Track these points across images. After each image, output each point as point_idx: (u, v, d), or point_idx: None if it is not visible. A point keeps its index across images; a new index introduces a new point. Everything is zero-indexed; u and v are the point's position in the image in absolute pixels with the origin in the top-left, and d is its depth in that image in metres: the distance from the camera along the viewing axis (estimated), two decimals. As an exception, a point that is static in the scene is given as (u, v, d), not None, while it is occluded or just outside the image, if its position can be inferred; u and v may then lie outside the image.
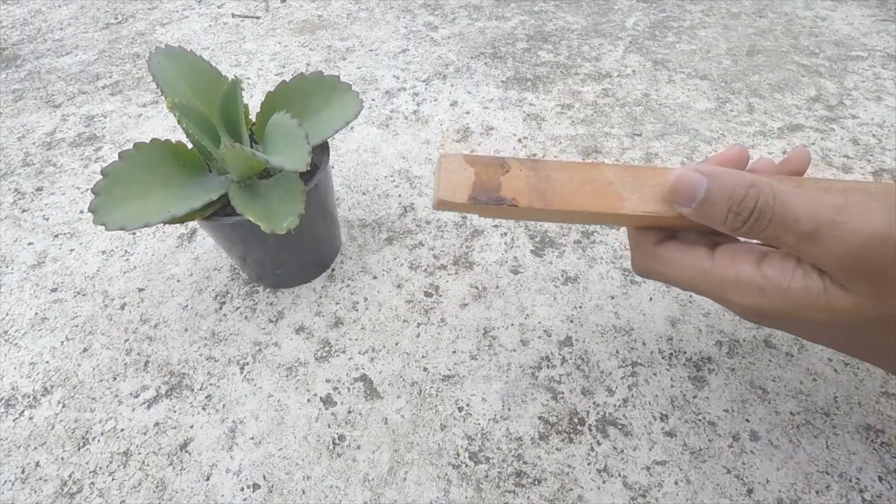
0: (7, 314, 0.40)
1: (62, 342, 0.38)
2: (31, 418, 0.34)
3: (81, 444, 0.33)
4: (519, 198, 0.22)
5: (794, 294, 0.20)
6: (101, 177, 0.30)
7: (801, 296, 0.20)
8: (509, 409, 0.33)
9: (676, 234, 0.25)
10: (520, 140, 0.52)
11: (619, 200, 0.23)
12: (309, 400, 0.34)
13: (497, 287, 0.40)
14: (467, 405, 0.33)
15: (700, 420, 0.32)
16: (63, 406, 0.35)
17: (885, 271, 0.18)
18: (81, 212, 0.48)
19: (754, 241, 0.22)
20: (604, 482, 0.30)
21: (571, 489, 0.30)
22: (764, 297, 0.21)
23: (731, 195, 0.20)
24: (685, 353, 0.35)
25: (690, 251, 0.23)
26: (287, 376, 0.35)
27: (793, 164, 0.26)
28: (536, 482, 0.30)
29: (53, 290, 0.42)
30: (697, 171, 0.22)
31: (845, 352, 0.24)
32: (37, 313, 0.40)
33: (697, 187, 0.21)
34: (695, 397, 0.33)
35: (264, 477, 0.31)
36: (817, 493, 0.29)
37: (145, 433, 0.33)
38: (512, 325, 0.37)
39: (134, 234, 0.46)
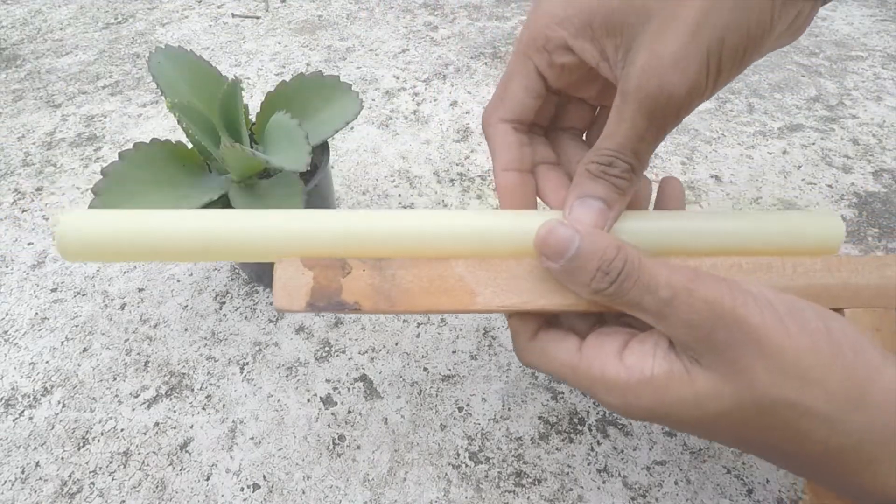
0: (7, 314, 0.40)
1: (62, 342, 0.38)
2: (31, 418, 0.34)
3: (81, 444, 0.33)
4: (362, 301, 0.21)
5: (659, 382, 0.19)
6: (101, 177, 0.30)
7: (666, 383, 0.19)
8: (509, 409, 0.33)
9: (554, 318, 0.24)
10: (520, 140, 0.52)
11: (471, 296, 0.21)
12: (309, 400, 0.34)
13: (497, 287, 0.40)
14: (467, 405, 0.33)
15: (700, 420, 0.32)
16: (63, 406, 0.35)
17: (726, 342, 0.18)
18: (81, 212, 0.48)
19: (614, 310, 0.21)
20: (604, 482, 0.30)
21: (571, 489, 0.30)
22: (629, 393, 0.20)
23: (603, 255, 0.20)
24: (685, 353, 0.35)
25: (561, 344, 0.22)
26: (287, 376, 0.35)
27: (666, 193, 0.26)
28: (536, 482, 0.30)
29: (53, 290, 0.42)
30: (568, 226, 0.21)
31: (750, 452, 0.21)
32: (37, 313, 0.40)
33: (569, 243, 0.20)
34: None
35: (264, 477, 0.31)
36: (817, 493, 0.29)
37: (145, 433, 0.33)
38: (512, 325, 0.37)
39: (134, 234, 0.45)
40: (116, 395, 0.35)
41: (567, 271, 0.20)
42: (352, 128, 0.55)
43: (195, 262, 0.22)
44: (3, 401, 0.35)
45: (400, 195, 0.47)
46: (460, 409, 0.33)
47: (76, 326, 0.39)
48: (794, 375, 0.18)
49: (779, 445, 0.19)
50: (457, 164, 0.50)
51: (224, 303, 0.40)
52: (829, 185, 0.47)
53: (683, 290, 0.19)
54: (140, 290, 0.41)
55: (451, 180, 0.49)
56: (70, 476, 0.31)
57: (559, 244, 0.20)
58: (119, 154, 0.31)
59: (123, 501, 0.30)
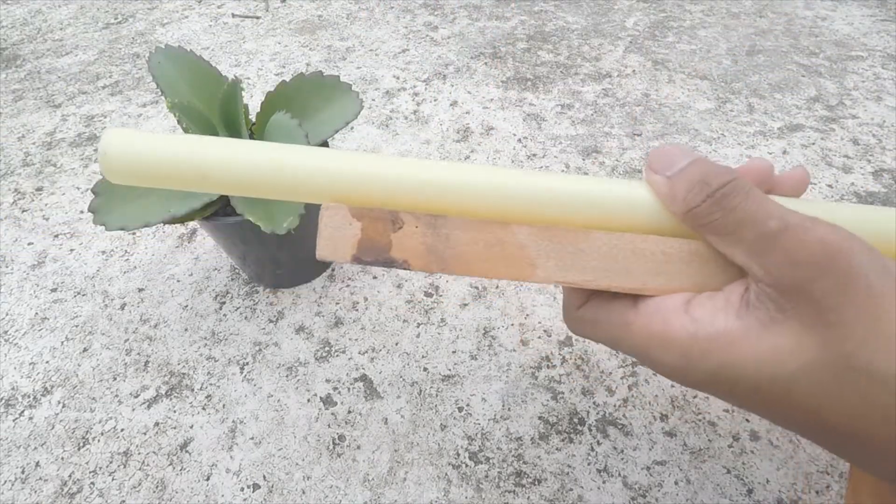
0: (7, 314, 0.40)
1: (62, 342, 0.38)
2: (31, 418, 0.34)
3: (81, 444, 0.33)
4: (412, 260, 0.20)
5: (732, 337, 0.17)
6: (102, 177, 0.30)
7: (740, 338, 0.17)
8: (509, 409, 0.33)
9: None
10: (520, 140, 0.52)
11: (531, 268, 0.20)
12: (309, 400, 0.34)
13: (497, 287, 0.40)
14: (467, 405, 0.33)
15: (700, 420, 0.32)
16: (63, 406, 0.35)
17: (828, 291, 0.16)
18: (81, 212, 0.48)
19: (702, 234, 0.19)
20: (604, 482, 0.30)
21: (571, 489, 0.30)
22: (694, 350, 0.18)
23: (709, 170, 0.18)
24: (685, 353, 0.35)
25: (613, 305, 0.21)
26: (287, 376, 0.35)
27: (787, 183, 0.23)
28: (536, 482, 0.30)
29: (53, 290, 0.42)
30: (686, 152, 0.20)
31: (807, 430, 0.19)
32: (37, 313, 0.40)
33: (684, 156, 0.19)
34: (695, 397, 0.33)
35: (264, 477, 0.31)
36: (817, 493, 0.29)
37: (145, 433, 0.33)
38: (512, 325, 0.37)
39: (134, 234, 0.46)
40: (116, 395, 0.35)
41: (670, 183, 0.19)
42: (352, 128, 0.55)
43: (237, 194, 0.20)
44: (3, 401, 0.35)
45: (400, 195, 0.47)
46: (460, 409, 0.33)
47: (76, 326, 0.39)
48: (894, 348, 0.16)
49: (845, 421, 0.17)
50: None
51: (224, 303, 0.40)
52: (829, 185, 0.47)
53: (798, 225, 0.17)
54: (140, 290, 0.41)
55: (451, 180, 0.49)
56: (70, 476, 0.31)
57: (674, 155, 0.19)
58: (119, 154, 0.31)
59: (123, 501, 0.30)
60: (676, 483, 0.30)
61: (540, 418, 0.33)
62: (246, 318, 0.39)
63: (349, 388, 0.35)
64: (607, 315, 0.20)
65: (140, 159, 0.19)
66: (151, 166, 0.19)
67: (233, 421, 0.33)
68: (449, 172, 0.20)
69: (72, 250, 0.45)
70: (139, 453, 0.32)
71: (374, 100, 0.59)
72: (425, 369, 0.35)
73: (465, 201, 0.20)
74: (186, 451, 0.32)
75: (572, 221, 0.20)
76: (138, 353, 0.37)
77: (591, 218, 0.20)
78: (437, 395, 0.34)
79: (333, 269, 0.42)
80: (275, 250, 0.37)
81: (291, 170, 0.20)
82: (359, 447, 0.32)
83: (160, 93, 0.43)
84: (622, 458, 0.31)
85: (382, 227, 0.20)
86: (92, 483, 0.31)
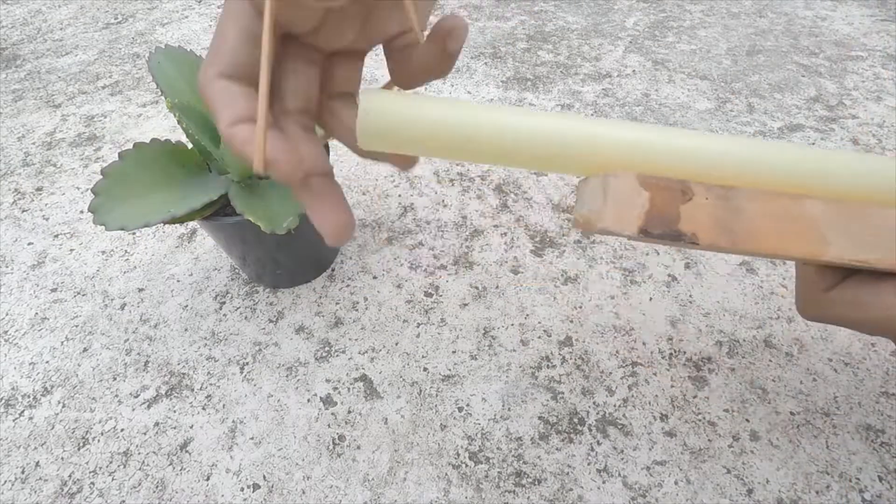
0: (7, 314, 0.40)
1: (62, 342, 0.38)
2: (31, 418, 0.34)
3: (81, 444, 0.33)
4: (701, 233, 0.18)
5: None
6: (101, 177, 0.30)
7: None
8: (509, 409, 0.33)
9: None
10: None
11: (823, 244, 0.19)
12: (309, 400, 0.34)
13: (497, 287, 0.40)
14: (467, 405, 0.33)
15: (700, 420, 0.32)
16: (63, 406, 0.35)
17: None
18: (81, 212, 0.48)
19: None
20: (604, 482, 0.30)
21: (571, 489, 0.30)
22: None
23: None
24: (685, 352, 0.35)
25: (881, 285, 0.19)
26: (287, 376, 0.35)
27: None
28: (536, 482, 0.30)
29: (53, 290, 0.42)
30: None
31: None
32: (37, 313, 0.40)
33: None
34: (695, 397, 0.33)
35: (264, 477, 0.31)
36: (817, 493, 0.29)
37: (145, 433, 0.33)
38: (512, 325, 0.37)
39: (134, 234, 0.46)
40: (116, 395, 0.35)
41: None
42: (352, 128, 0.55)
43: (501, 164, 0.19)
44: (3, 401, 0.35)
45: (400, 195, 0.47)
46: (460, 409, 0.33)
47: (76, 326, 0.39)
48: None
49: None
50: (457, 164, 0.50)
51: (224, 303, 0.40)
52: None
53: None
54: (140, 290, 0.41)
55: (451, 180, 0.49)
56: (70, 476, 0.31)
57: None
58: (119, 154, 0.31)
59: (123, 501, 0.30)
60: (676, 483, 0.30)
61: (540, 418, 0.33)
62: (246, 318, 0.39)
63: (349, 388, 0.35)
64: (876, 294, 0.20)
65: (396, 126, 0.18)
66: (414, 129, 0.19)
67: (233, 421, 0.33)
68: (729, 145, 0.19)
69: (72, 250, 0.45)
70: (139, 453, 0.32)
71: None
72: (425, 369, 0.35)
73: (753, 175, 0.19)
74: (186, 451, 0.32)
75: (852, 196, 0.19)
76: (138, 353, 0.37)
77: (867, 194, 0.19)
78: (437, 395, 0.34)
79: (333, 270, 0.42)
80: (275, 250, 0.37)
81: (570, 137, 0.19)
82: (359, 447, 0.32)
83: (160, 93, 0.43)
84: (622, 458, 0.31)
85: (671, 198, 0.18)
86: (92, 483, 0.31)
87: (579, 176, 0.20)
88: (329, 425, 0.33)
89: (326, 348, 0.37)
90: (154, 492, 0.30)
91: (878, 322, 0.20)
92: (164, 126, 0.57)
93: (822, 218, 0.19)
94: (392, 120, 0.18)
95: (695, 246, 0.19)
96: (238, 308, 0.39)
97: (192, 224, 0.46)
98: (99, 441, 0.33)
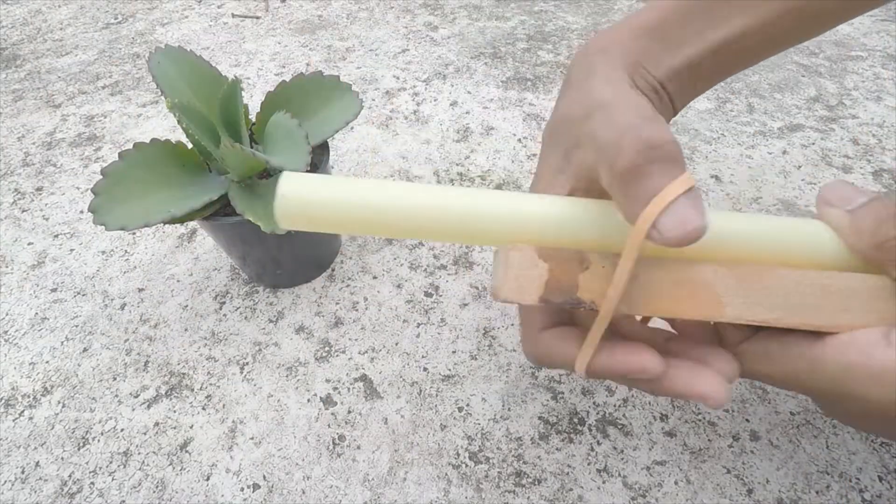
0: (7, 314, 0.40)
1: (62, 342, 0.38)
2: (31, 418, 0.34)
3: (81, 444, 0.33)
4: (599, 300, 0.19)
5: None
6: (101, 177, 0.30)
7: None
8: (509, 409, 0.33)
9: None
10: (520, 140, 0.52)
11: (718, 306, 0.19)
12: (309, 400, 0.34)
13: (497, 287, 0.40)
14: (467, 405, 0.33)
15: (700, 420, 0.32)
16: (63, 406, 0.35)
17: None
18: (81, 212, 0.48)
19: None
20: (604, 482, 0.30)
21: (571, 489, 0.30)
22: None
23: (894, 206, 0.18)
24: (685, 353, 0.35)
25: (790, 339, 0.20)
26: (287, 376, 0.35)
27: None
28: (536, 482, 0.30)
29: (53, 290, 0.42)
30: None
31: None
32: (37, 313, 0.40)
33: (858, 193, 0.19)
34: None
35: (264, 477, 0.31)
36: (817, 493, 0.29)
37: (145, 433, 0.33)
38: (512, 324, 0.37)
39: (134, 234, 0.46)
40: (116, 395, 0.35)
41: (853, 219, 0.19)
42: (352, 128, 0.55)
43: (419, 239, 0.20)
44: (3, 401, 0.35)
45: (400, 195, 0.47)
46: (460, 409, 0.33)
47: (76, 326, 0.39)
48: None
49: None
50: (457, 164, 0.50)
51: (224, 303, 0.40)
52: None
53: None
54: (140, 290, 0.41)
55: (451, 180, 0.49)
56: (70, 476, 0.31)
57: (848, 191, 0.19)
58: (119, 154, 0.31)
59: (123, 501, 0.30)
60: (676, 483, 0.30)
61: (540, 418, 0.33)
62: (246, 318, 0.39)
63: (349, 388, 0.35)
64: (783, 349, 0.20)
65: (318, 204, 0.19)
66: (330, 212, 0.19)
67: (233, 421, 0.33)
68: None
69: (72, 250, 0.45)
70: (139, 453, 0.32)
71: (374, 100, 0.59)
72: (425, 369, 0.35)
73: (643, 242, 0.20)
74: (186, 451, 0.32)
75: (751, 258, 0.20)
76: (138, 353, 0.37)
77: (766, 255, 0.20)
78: (437, 395, 0.34)
79: (333, 270, 0.42)
80: (275, 250, 0.37)
81: (480, 215, 0.20)
82: (359, 447, 0.32)
83: (160, 93, 0.43)
84: (622, 458, 0.31)
85: (570, 268, 0.19)
86: (92, 483, 0.31)
87: (492, 247, 0.21)
88: (329, 425, 0.33)
89: (326, 348, 0.37)
90: (154, 492, 0.30)
91: (782, 376, 0.20)
92: (164, 126, 0.57)
93: (717, 281, 0.20)
94: (309, 204, 0.19)
95: (595, 310, 0.19)
96: (238, 308, 0.40)
97: (192, 224, 0.46)
98: (99, 441, 0.33)
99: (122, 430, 0.33)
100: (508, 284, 0.19)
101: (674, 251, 0.19)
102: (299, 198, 0.19)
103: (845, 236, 0.20)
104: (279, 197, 0.19)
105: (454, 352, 0.36)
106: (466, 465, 0.31)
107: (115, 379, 0.36)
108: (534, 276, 0.19)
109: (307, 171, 0.28)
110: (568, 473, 0.30)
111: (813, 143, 0.51)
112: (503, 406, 0.33)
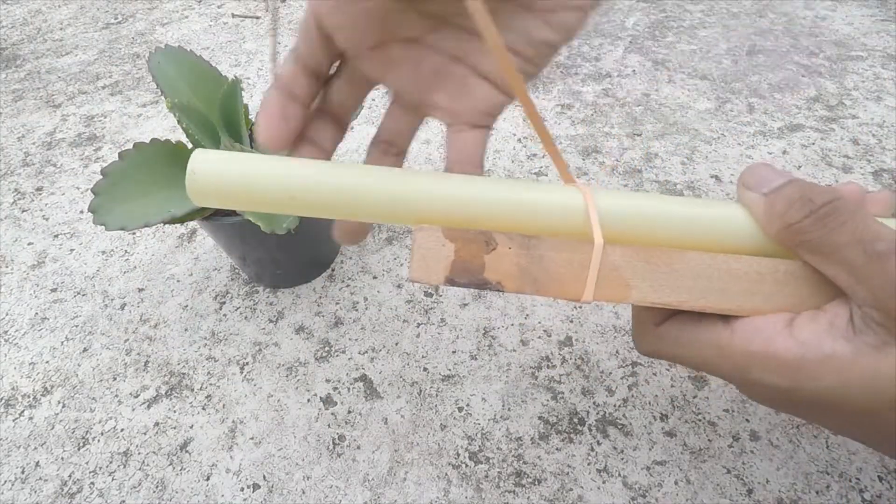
0: (7, 314, 0.40)
1: (62, 342, 0.38)
2: (31, 418, 0.34)
3: (81, 444, 0.33)
4: (505, 281, 0.19)
5: (844, 359, 0.17)
6: (102, 177, 0.30)
7: (853, 360, 0.17)
8: (509, 409, 0.33)
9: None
10: (520, 140, 0.52)
11: (625, 289, 0.20)
12: (309, 400, 0.34)
13: (497, 287, 0.40)
14: (467, 405, 0.33)
15: (700, 420, 0.32)
16: (63, 406, 0.35)
17: None
18: (81, 212, 0.48)
19: (798, 254, 0.19)
20: (604, 482, 0.30)
21: (571, 489, 0.30)
22: (803, 372, 0.17)
23: (811, 188, 0.18)
24: (685, 353, 0.35)
25: (702, 324, 0.20)
26: (287, 376, 0.35)
27: (873, 206, 0.22)
28: (536, 482, 0.30)
29: (53, 290, 0.42)
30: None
31: None
32: (37, 313, 0.40)
33: (779, 176, 0.19)
34: (695, 397, 0.33)
35: (264, 477, 0.31)
36: (817, 493, 0.29)
37: (145, 433, 0.33)
38: (512, 325, 0.37)
39: (134, 234, 0.46)
40: (116, 395, 0.35)
41: (767, 200, 0.19)
42: (352, 128, 0.55)
43: (326, 216, 0.20)
44: (3, 401, 0.35)
45: (400, 195, 0.47)
46: (460, 409, 0.33)
47: (76, 326, 0.39)
48: None
49: None
50: (457, 164, 0.50)
51: (224, 303, 0.40)
52: (829, 186, 0.47)
53: None
54: (140, 290, 0.41)
55: (451, 180, 0.49)
56: (70, 476, 0.31)
57: (768, 174, 0.19)
58: (119, 154, 0.31)
59: (123, 501, 0.30)
60: (676, 483, 0.30)
61: (540, 418, 0.33)
62: (246, 318, 0.39)
63: (349, 388, 0.35)
64: (694, 334, 0.20)
65: (228, 180, 0.19)
66: (239, 191, 0.19)
67: (233, 421, 0.33)
68: (537, 194, 0.20)
69: (72, 250, 0.45)
70: (139, 453, 0.32)
71: (374, 100, 0.59)
72: (425, 369, 0.35)
73: (554, 222, 0.20)
74: (186, 451, 0.32)
75: (663, 241, 0.20)
76: (138, 353, 0.37)
77: (682, 238, 0.20)
78: (437, 395, 0.34)
79: (333, 270, 0.42)
80: (275, 250, 0.37)
81: (384, 192, 0.20)
82: (359, 447, 0.32)
83: (160, 93, 0.43)
84: (622, 458, 0.31)
85: (476, 249, 0.19)
86: (92, 483, 0.31)
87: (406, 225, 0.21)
88: (329, 425, 0.33)
89: (326, 348, 0.37)
90: (154, 492, 0.30)
91: (693, 360, 0.21)
92: (164, 126, 0.57)
93: (624, 264, 0.20)
94: (220, 179, 0.19)
95: (501, 292, 0.19)
96: (238, 308, 0.39)
97: (192, 224, 0.46)
98: (99, 441, 0.33)
99: (122, 430, 0.33)
100: (416, 264, 0.19)
101: (579, 233, 0.20)
102: (210, 173, 0.19)
103: (759, 219, 0.20)
104: (189, 173, 0.19)
105: (454, 352, 0.36)
106: (466, 465, 0.31)
107: (115, 379, 0.36)
108: (440, 257, 0.19)
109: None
110: (568, 473, 0.30)
111: (813, 143, 0.51)
112: (503, 406, 0.33)
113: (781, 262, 0.19)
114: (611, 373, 0.34)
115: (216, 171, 0.19)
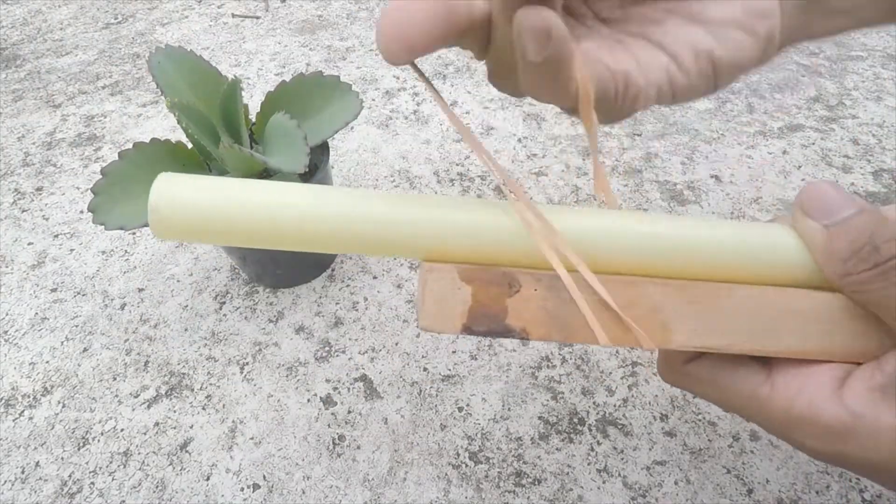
0: (7, 314, 0.40)
1: (62, 342, 0.38)
2: (31, 418, 0.34)
3: (81, 444, 0.33)
4: (531, 328, 0.17)
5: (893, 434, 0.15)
6: (101, 176, 0.30)
7: None
8: (509, 409, 0.33)
9: None
10: (520, 140, 0.52)
11: (665, 332, 0.17)
12: (309, 400, 0.34)
13: (497, 287, 0.40)
14: (467, 405, 0.33)
15: (700, 420, 0.32)
16: (63, 406, 0.35)
17: None
18: (81, 212, 0.48)
19: (855, 299, 0.17)
20: (604, 482, 0.30)
21: (571, 489, 0.30)
22: (853, 442, 0.16)
23: (880, 230, 0.16)
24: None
25: (739, 372, 0.18)
26: (287, 376, 0.35)
27: None
28: (536, 482, 0.30)
29: (53, 290, 0.42)
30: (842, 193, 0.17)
31: None
32: (37, 313, 0.40)
33: (845, 203, 0.17)
34: (695, 397, 0.33)
35: (264, 477, 0.31)
36: (817, 493, 0.29)
37: (145, 433, 0.33)
38: (512, 325, 0.37)
39: (134, 233, 0.46)
40: (116, 395, 0.35)
41: (829, 235, 0.17)
42: (352, 128, 0.55)
43: (315, 250, 0.18)
44: (3, 401, 0.35)
45: (400, 195, 0.47)
46: (460, 409, 0.33)
47: (76, 326, 0.39)
48: None
49: None
50: (457, 164, 0.50)
51: (224, 303, 0.40)
52: None
53: None
54: (140, 290, 0.41)
55: (451, 180, 0.49)
56: (70, 476, 0.31)
57: (833, 199, 0.17)
58: (119, 154, 0.31)
59: (123, 501, 0.30)
60: (676, 483, 0.30)
61: (540, 418, 0.33)
62: (246, 318, 0.39)
63: (349, 388, 0.35)
64: (730, 381, 0.18)
65: (193, 219, 0.16)
66: (207, 226, 0.17)
67: (233, 421, 0.33)
68: (549, 217, 0.17)
69: (72, 250, 0.45)
70: (139, 453, 0.32)
71: (374, 100, 0.59)
72: (425, 369, 0.35)
73: (586, 253, 0.17)
74: (186, 451, 0.32)
75: (702, 273, 0.18)
76: (138, 353, 0.37)
77: (724, 268, 0.18)
78: (437, 395, 0.34)
79: (333, 270, 0.42)
80: (275, 250, 0.37)
81: (381, 223, 0.17)
82: (359, 447, 0.32)
83: (160, 93, 0.43)
84: (622, 458, 0.31)
85: (497, 292, 0.17)
86: (92, 483, 0.31)
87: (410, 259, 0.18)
88: (329, 425, 0.33)
89: (326, 348, 0.37)
90: (154, 492, 0.30)
91: (723, 404, 0.19)
92: (164, 126, 0.57)
93: (665, 304, 0.17)
94: (186, 214, 0.17)
95: (526, 340, 0.17)
96: (238, 308, 0.39)
97: (192, 224, 0.46)
98: (99, 441, 0.33)
99: (122, 430, 0.33)
100: (427, 311, 0.17)
101: (611, 267, 0.17)
102: (175, 206, 0.17)
103: (814, 253, 0.17)
104: (151, 209, 0.17)
105: (454, 352, 0.36)
106: (466, 465, 0.31)
107: (115, 379, 0.36)
108: (455, 302, 0.17)
109: (305, 172, 0.28)
110: (568, 473, 0.30)
111: (813, 143, 0.51)
112: (503, 406, 0.33)
113: (835, 297, 0.17)
114: (611, 373, 0.34)
115: (182, 204, 0.16)
